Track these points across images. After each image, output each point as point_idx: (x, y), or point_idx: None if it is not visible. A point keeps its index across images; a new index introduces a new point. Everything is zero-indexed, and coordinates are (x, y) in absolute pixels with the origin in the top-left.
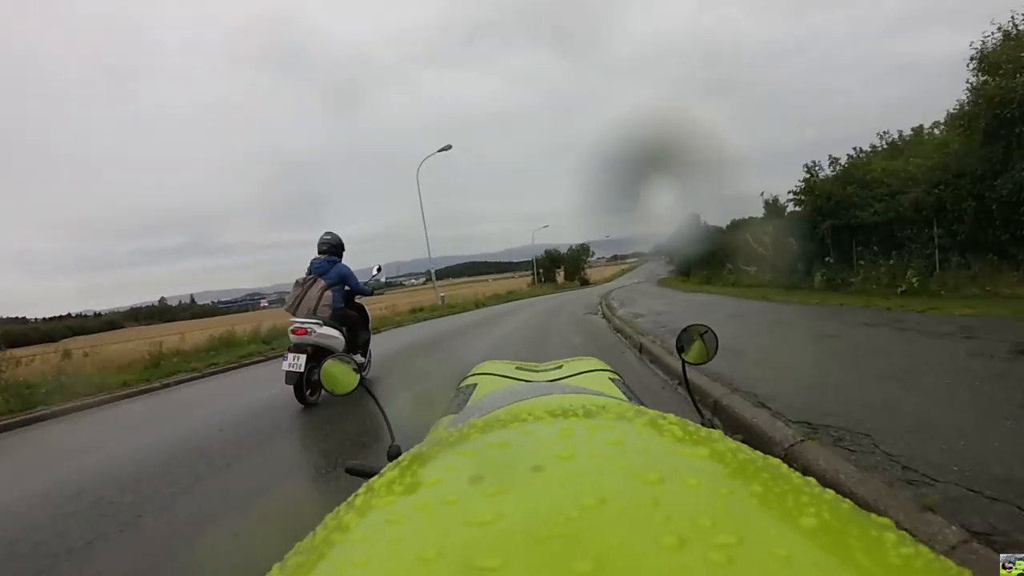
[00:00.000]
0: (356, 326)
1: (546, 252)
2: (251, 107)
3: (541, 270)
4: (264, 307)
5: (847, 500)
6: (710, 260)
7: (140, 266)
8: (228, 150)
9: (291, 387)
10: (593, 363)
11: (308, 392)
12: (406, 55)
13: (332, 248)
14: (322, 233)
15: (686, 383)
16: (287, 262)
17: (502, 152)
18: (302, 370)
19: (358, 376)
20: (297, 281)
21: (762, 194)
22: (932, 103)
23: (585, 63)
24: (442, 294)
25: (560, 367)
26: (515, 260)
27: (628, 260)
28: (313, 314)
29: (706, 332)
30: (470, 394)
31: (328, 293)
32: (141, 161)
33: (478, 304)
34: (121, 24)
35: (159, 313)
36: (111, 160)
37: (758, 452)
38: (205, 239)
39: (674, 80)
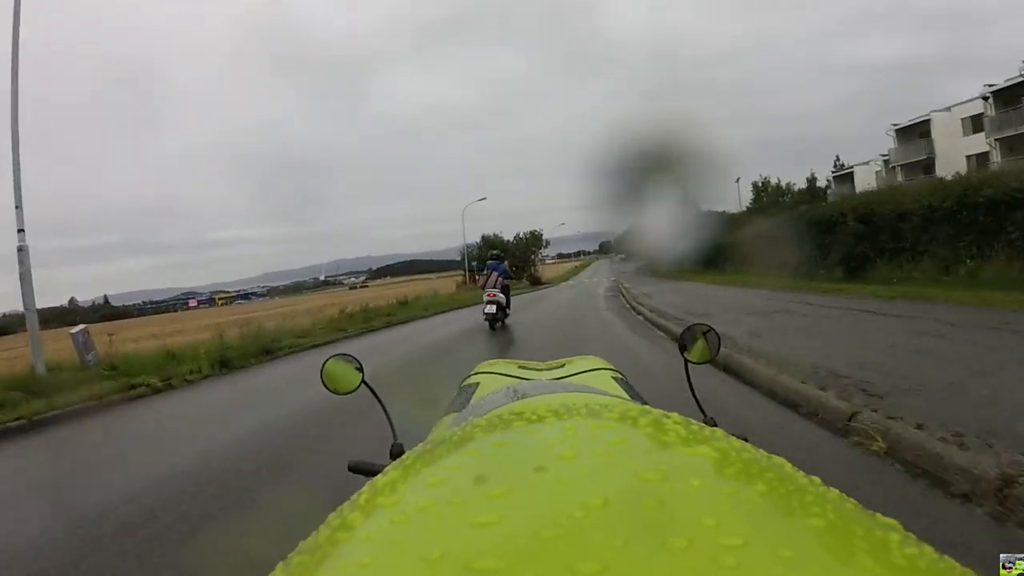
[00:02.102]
0: (508, 293)
1: (483, 239)
2: (192, 100)
3: (475, 263)
4: (192, 307)
5: (852, 499)
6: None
7: (74, 264)
8: (169, 145)
9: (486, 322)
10: (596, 362)
11: (492, 323)
12: (359, 51)
13: (498, 257)
14: (491, 252)
15: (689, 382)
16: (229, 261)
17: (454, 150)
18: (494, 312)
19: (360, 375)
20: (483, 272)
21: (737, 180)
22: (869, 103)
23: (538, 59)
24: None
25: (563, 366)
26: (459, 258)
27: (578, 258)
28: (494, 287)
29: (708, 331)
30: (472, 392)
31: (499, 279)
32: (83, 155)
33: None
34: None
35: (63, 315)
36: (51, 154)
37: (761, 451)
38: (143, 237)
39: (620, 79)
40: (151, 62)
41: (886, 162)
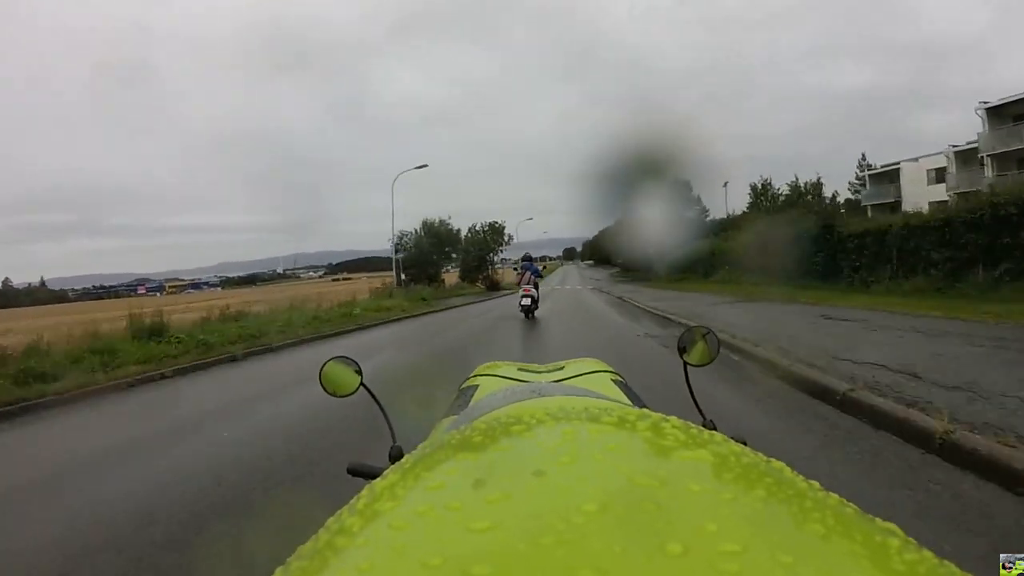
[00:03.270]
0: (538, 288)
1: (425, 225)
2: (153, 79)
3: (401, 254)
4: (140, 294)
5: (851, 504)
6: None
7: (21, 243)
8: (126, 126)
9: (522, 312)
10: (595, 364)
11: (527, 313)
12: (331, 41)
13: (530, 259)
14: (524, 252)
15: (688, 384)
16: (188, 247)
17: (423, 146)
18: (529, 304)
19: (359, 377)
20: (517, 272)
21: (725, 184)
22: (835, 128)
23: (512, 59)
24: None
25: (562, 368)
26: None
27: (543, 262)
28: (528, 284)
29: (708, 334)
30: (472, 395)
31: (532, 277)
32: (34, 133)
33: None
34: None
35: None
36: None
37: (760, 455)
38: (96, 219)
39: (597, 83)
40: (110, 35)
41: (958, 154)
